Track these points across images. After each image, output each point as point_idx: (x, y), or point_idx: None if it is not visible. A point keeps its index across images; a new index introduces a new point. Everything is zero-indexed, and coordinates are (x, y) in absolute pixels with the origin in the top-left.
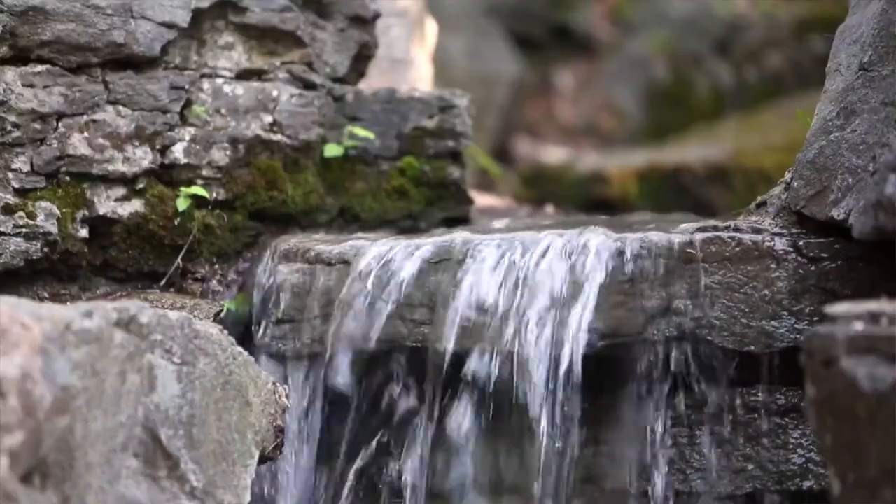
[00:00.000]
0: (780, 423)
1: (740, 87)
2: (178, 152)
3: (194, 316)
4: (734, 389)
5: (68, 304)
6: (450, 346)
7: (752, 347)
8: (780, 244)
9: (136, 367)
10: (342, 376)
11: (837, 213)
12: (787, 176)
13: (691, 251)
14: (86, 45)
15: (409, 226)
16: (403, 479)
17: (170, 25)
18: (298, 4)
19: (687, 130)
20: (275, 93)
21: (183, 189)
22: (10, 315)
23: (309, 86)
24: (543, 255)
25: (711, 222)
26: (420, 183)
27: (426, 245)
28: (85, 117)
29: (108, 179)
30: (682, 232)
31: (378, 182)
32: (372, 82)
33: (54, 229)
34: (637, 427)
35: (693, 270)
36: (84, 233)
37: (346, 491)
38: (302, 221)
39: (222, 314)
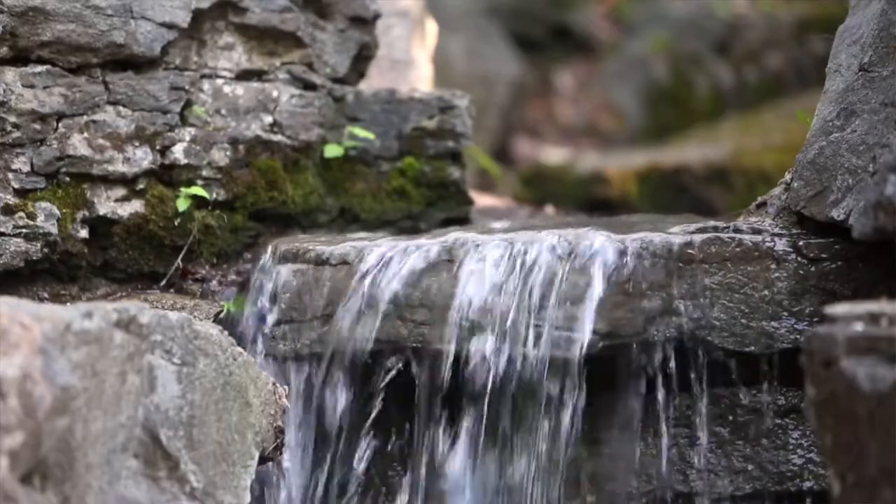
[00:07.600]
0: (780, 424)
1: (740, 87)
2: (178, 153)
3: (194, 316)
4: (734, 390)
5: (68, 304)
6: (450, 346)
7: (752, 348)
8: (780, 245)
9: (136, 367)
10: (342, 377)
11: (837, 214)
12: (787, 176)
13: (691, 252)
14: (86, 46)
15: (409, 226)
16: (404, 478)
17: (170, 26)
18: (299, 5)
19: (687, 130)
20: (275, 93)
21: (183, 189)
22: (10, 315)
23: (309, 86)
24: (543, 255)
25: (711, 223)
26: (420, 183)
27: (426, 245)
28: (85, 118)
29: (108, 180)
30: (682, 232)
31: (378, 182)
32: (372, 82)
33: (54, 230)
34: (637, 427)
35: (693, 271)
36: (84, 233)
37: (346, 493)
38: (302, 222)
39: (222, 314)
